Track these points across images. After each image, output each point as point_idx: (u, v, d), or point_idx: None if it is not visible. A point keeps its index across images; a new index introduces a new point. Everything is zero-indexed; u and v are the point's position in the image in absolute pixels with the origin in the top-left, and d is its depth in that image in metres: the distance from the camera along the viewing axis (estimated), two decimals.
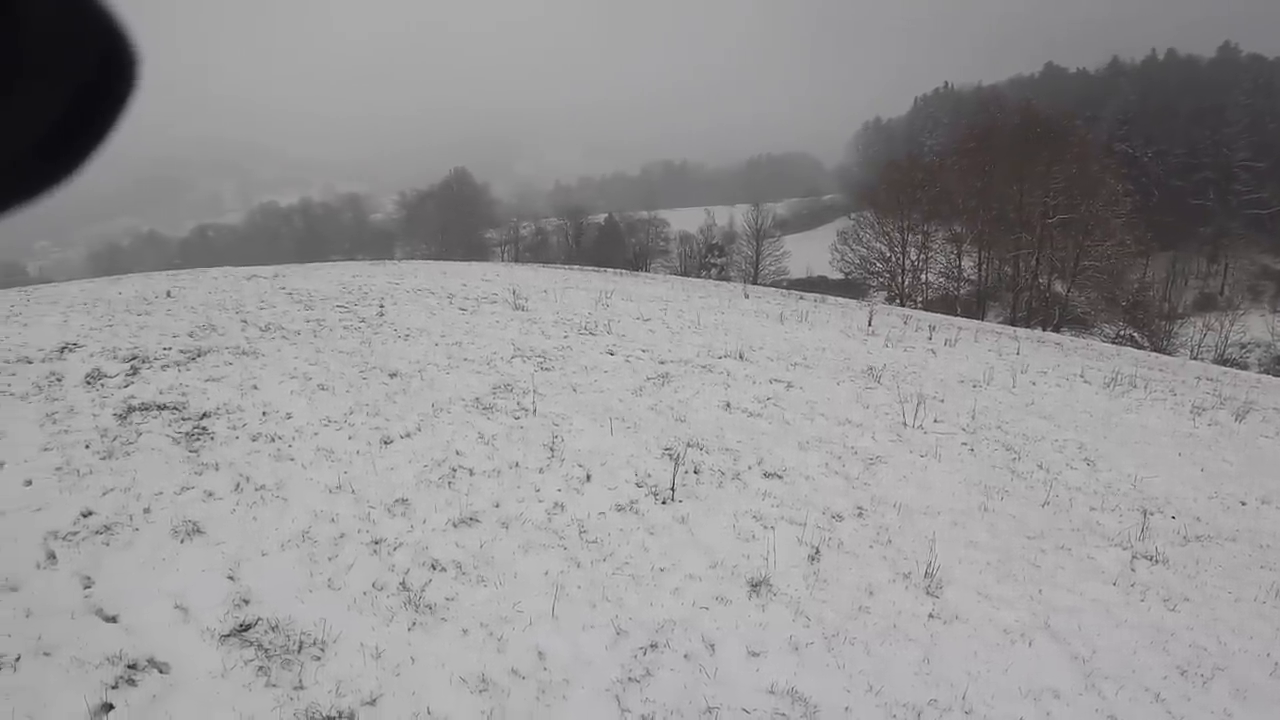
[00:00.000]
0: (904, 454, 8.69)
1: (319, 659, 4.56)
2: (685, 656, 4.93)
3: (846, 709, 4.60)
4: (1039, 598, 6.05)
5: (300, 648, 4.61)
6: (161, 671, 4.36)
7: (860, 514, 7.12)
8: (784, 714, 4.52)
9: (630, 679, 4.71)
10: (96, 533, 5.43)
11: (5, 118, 0.43)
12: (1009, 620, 5.71)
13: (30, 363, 8.39)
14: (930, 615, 5.64)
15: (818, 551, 6.34)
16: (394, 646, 4.73)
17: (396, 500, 6.36)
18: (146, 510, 5.77)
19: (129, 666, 4.33)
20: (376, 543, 5.70)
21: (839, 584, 5.96)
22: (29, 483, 5.99)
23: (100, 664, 4.30)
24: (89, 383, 8.02)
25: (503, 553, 5.82)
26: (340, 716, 4.20)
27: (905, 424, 9.58)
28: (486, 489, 6.75)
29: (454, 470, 6.99)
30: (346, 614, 4.94)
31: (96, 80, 0.48)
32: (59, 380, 8.01)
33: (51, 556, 5.16)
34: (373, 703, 4.32)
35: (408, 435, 7.67)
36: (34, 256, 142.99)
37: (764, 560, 6.12)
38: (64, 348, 8.95)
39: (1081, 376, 14.51)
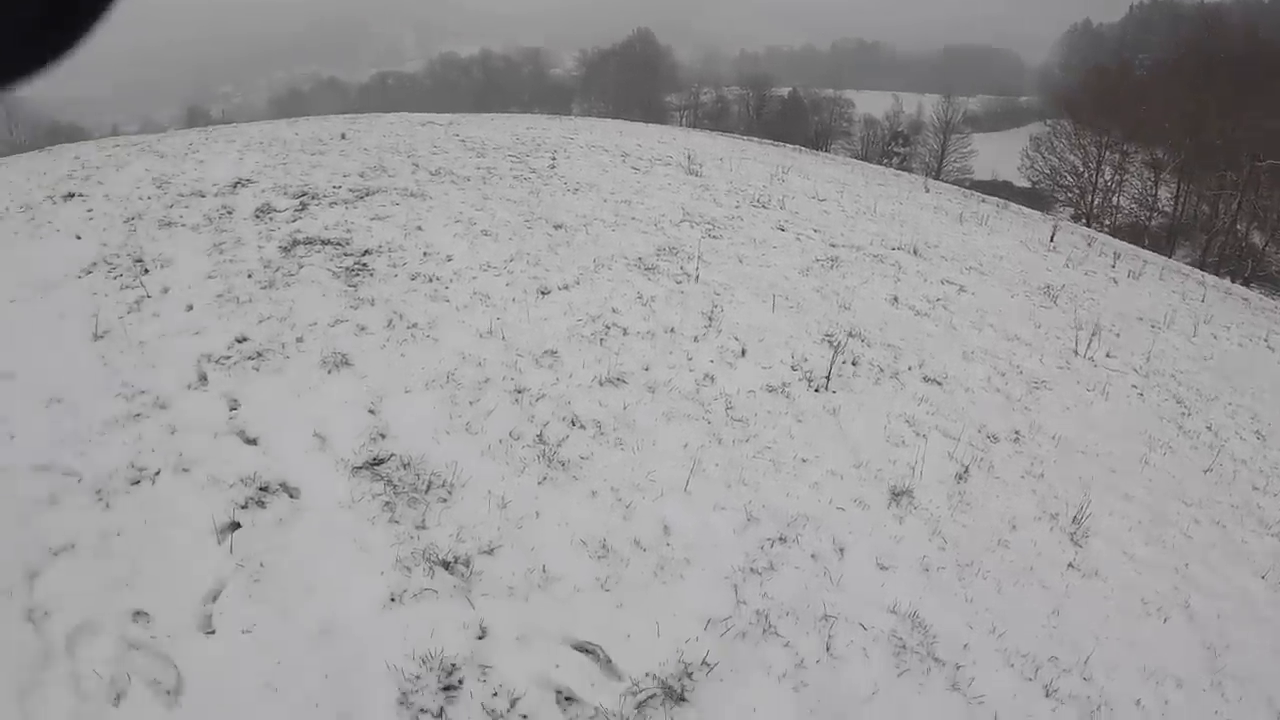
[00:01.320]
0: (1070, 384, 7.71)
1: (445, 501, 4.41)
2: (812, 556, 4.47)
3: (965, 646, 4.07)
4: (1184, 572, 5.24)
5: (428, 488, 4.47)
6: (291, 496, 4.35)
7: (1016, 439, 6.33)
8: (901, 638, 4.03)
9: (752, 570, 4.31)
10: (248, 358, 5.50)
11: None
12: (1148, 589, 4.99)
13: (204, 196, 8.64)
14: (1070, 565, 5.01)
15: (966, 471, 5.66)
16: (521, 498, 4.51)
17: (546, 351, 6.08)
18: (299, 340, 5.79)
19: (260, 489, 4.34)
20: (519, 391, 5.47)
21: (983, 510, 5.32)
22: (190, 308, 6.16)
23: (234, 484, 4.33)
24: (258, 217, 8.16)
25: (645, 418, 5.45)
26: (456, 562, 4.03)
27: (1076, 352, 8.47)
28: (638, 350, 6.36)
29: (608, 328, 6.62)
30: (479, 460, 4.76)
31: None
32: (229, 213, 8.20)
33: (203, 378, 5.28)
34: (490, 552, 4.13)
35: (565, 288, 7.35)
36: (216, 101, 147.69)
37: (910, 469, 5.49)
38: (237, 183, 9.17)
39: (1266, 341, 12.47)
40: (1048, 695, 3.96)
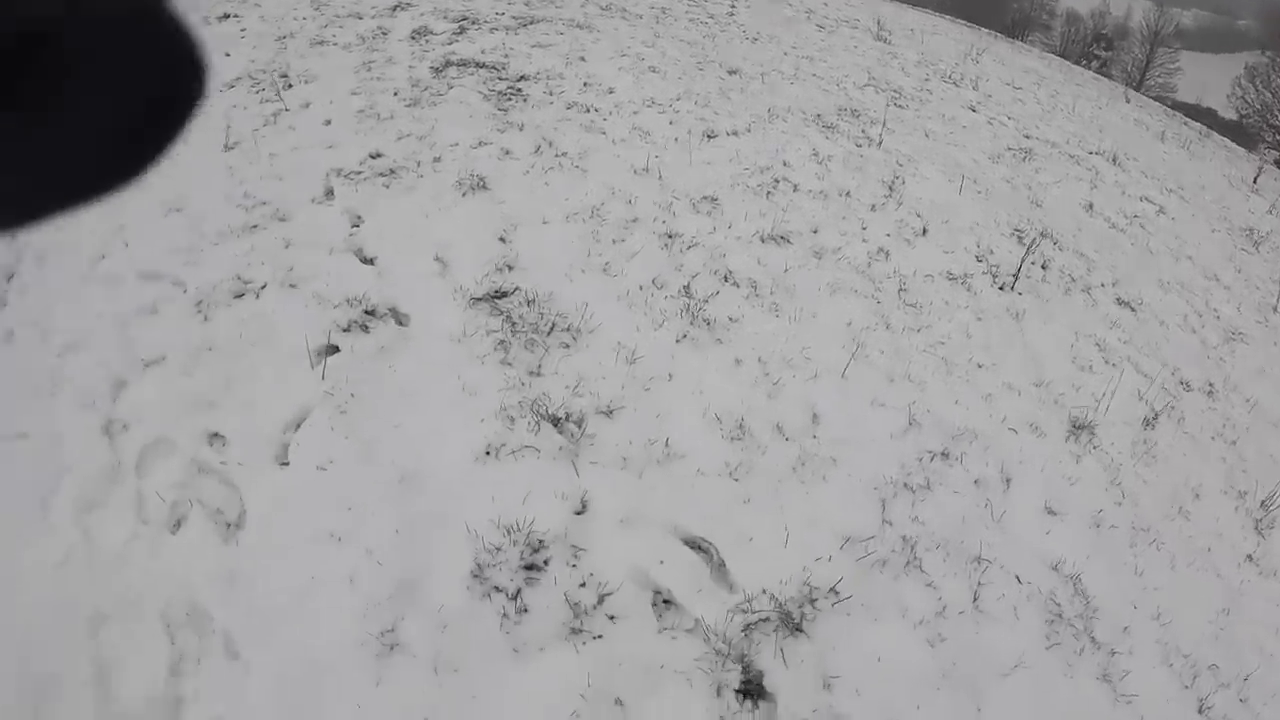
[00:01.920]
0: (1268, 342, 5.98)
1: (567, 348, 3.56)
2: (975, 482, 3.37)
3: (1125, 630, 3.00)
4: None
5: (551, 330, 3.63)
6: (399, 323, 3.65)
7: (1210, 393, 4.85)
8: (1059, 604, 2.99)
9: (906, 485, 3.29)
10: (380, 174, 4.77)
11: (74, 120, 0.34)
12: None
13: (360, 19, 7.84)
14: (1249, 557, 3.77)
15: (1156, 417, 4.27)
16: (654, 356, 3.60)
17: (705, 197, 4.99)
18: (436, 159, 4.99)
19: (366, 312, 3.66)
20: (670, 237, 4.46)
21: (1167, 467, 4.00)
22: (328, 122, 5.46)
23: (340, 304, 3.67)
24: (413, 38, 7.31)
25: (807, 285, 4.33)
26: (567, 419, 3.20)
27: (1275, 309, 6.53)
28: (807, 210, 5.14)
29: (776, 181, 5.41)
30: (613, 305, 3.86)
31: (164, 88, 0.39)
32: (384, 34, 7.38)
33: (329, 193, 4.61)
34: (609, 413, 3.27)
35: (734, 133, 6.12)
36: None
37: (1095, 402, 4.17)
38: (396, 7, 8.27)
39: None
40: (1200, 711, 2.84)
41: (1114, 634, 3.03)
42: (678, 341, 3.69)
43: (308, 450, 3.05)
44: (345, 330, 3.53)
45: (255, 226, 4.19)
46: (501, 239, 4.28)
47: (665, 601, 2.71)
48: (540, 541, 2.77)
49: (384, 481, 2.94)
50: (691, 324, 3.81)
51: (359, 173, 4.74)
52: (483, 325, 3.63)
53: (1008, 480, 3.47)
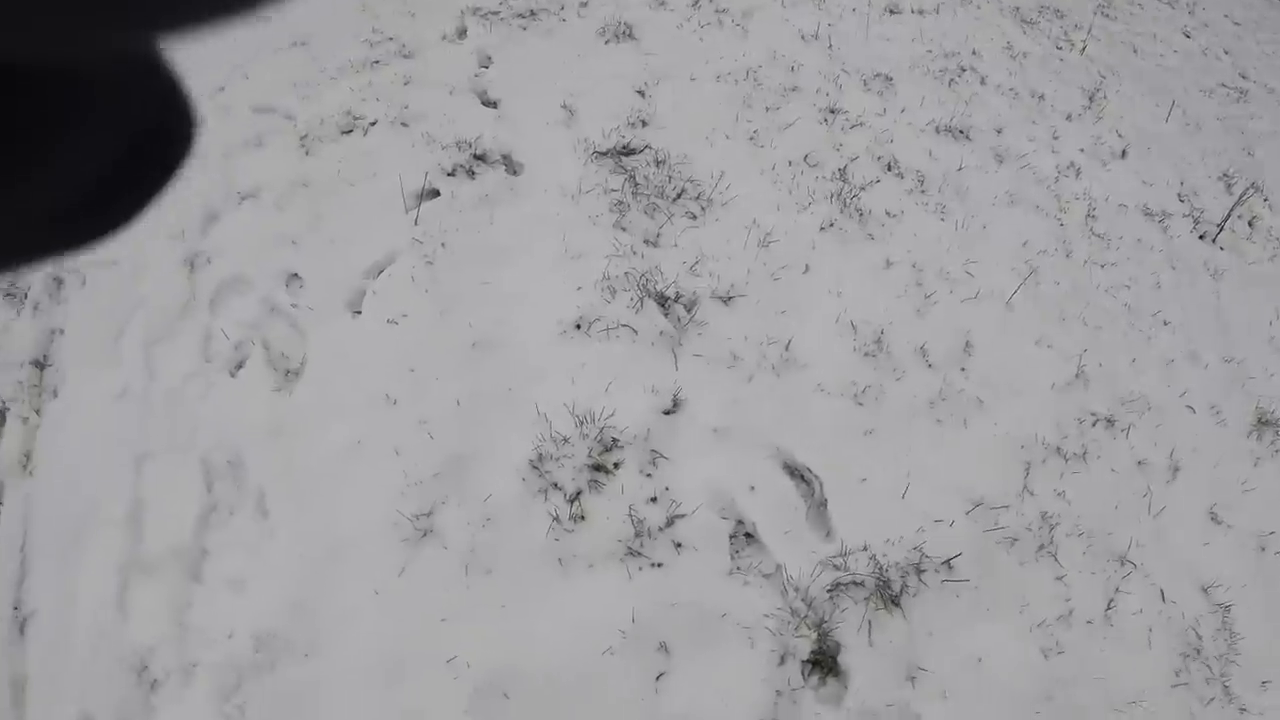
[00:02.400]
0: None
1: (693, 219, 2.87)
2: (1139, 464, 2.61)
3: (1263, 685, 2.36)
4: None
5: (678, 196, 2.94)
6: (510, 171, 3.07)
7: None
8: (1199, 636, 2.50)
9: (1058, 450, 2.50)
10: (519, 15, 4.07)
11: (57, 168, 0.30)
12: None
13: None
14: None
15: None
16: (791, 242, 2.83)
17: (878, 75, 3.97)
18: (583, 4, 4.20)
19: (476, 157, 3.10)
20: (833, 112, 3.55)
21: None
22: None
23: (449, 146, 3.12)
24: None
25: (982, 190, 3.37)
26: (677, 300, 2.55)
27: None
28: (993, 107, 4.02)
29: (962, 70, 4.26)
30: (755, 179, 3.09)
31: (152, 140, 0.34)
32: None
33: (461, 32, 3.95)
34: (726, 300, 2.57)
35: (920, 12, 4.86)
36: None
37: None
38: None
39: None
40: None
41: (1251, 688, 2.23)
42: (822, 229, 2.91)
43: (383, 300, 2.60)
44: (450, 174, 3.00)
45: (377, 63, 3.67)
46: (640, 92, 3.54)
47: (746, 536, 2.12)
48: (615, 440, 2.21)
49: (456, 345, 2.44)
50: (841, 212, 3.00)
51: (496, 13, 4.06)
52: (602, 183, 2.99)
53: (1175, 469, 2.54)
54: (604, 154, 3.09)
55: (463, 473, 2.19)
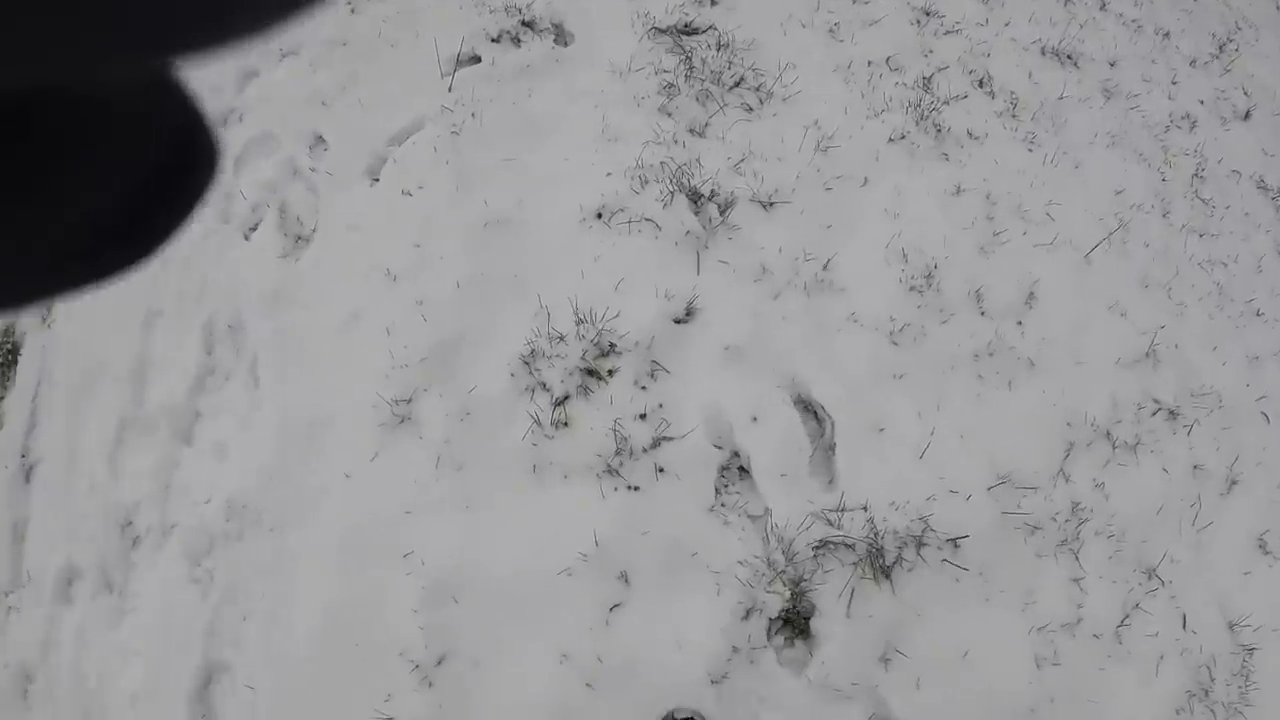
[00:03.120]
0: None
1: (748, 111, 2.29)
2: (1195, 469, 2.37)
3: None
4: None
5: (736, 84, 2.35)
6: (558, 42, 2.51)
7: None
8: (1212, 677, 1.92)
9: (1107, 435, 1.99)
10: None
11: (79, 200, 0.26)
12: None
13: None
14: None
15: None
16: (854, 150, 2.25)
17: None
18: None
19: (524, 24, 2.55)
20: (927, 14, 2.76)
21: None
22: None
23: (498, 10, 2.57)
24: None
25: (1082, 125, 2.59)
26: (711, 197, 2.05)
27: None
28: (1110, 35, 3.06)
29: None
30: (825, 75, 2.46)
31: (173, 170, 0.29)
32: None
33: None
34: (767, 205, 2.06)
35: None
36: None
37: None
38: None
39: None
40: None
41: None
42: (891, 141, 2.31)
43: (402, 170, 2.22)
44: (494, 40, 2.50)
45: None
46: None
47: (740, 470, 1.73)
48: (613, 345, 1.82)
49: (468, 222, 2.06)
50: (918, 124, 2.37)
51: None
52: (655, 61, 2.43)
53: (1232, 482, 1.98)
54: (663, 31, 2.51)
55: (451, 360, 1.85)
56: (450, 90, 2.37)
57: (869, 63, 2.56)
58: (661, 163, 2.15)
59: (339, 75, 2.49)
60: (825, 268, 1.98)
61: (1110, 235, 2.31)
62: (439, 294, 1.93)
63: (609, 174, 2.14)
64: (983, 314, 2.01)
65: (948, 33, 2.76)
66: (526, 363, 1.83)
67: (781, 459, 1.75)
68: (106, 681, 1.73)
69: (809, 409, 1.83)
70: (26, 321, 2.29)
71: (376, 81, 2.46)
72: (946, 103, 2.50)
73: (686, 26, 2.57)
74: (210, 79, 2.56)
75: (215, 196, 2.30)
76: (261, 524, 1.76)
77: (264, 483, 1.78)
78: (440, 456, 1.73)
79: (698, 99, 2.34)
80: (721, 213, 2.05)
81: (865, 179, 2.20)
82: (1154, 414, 2.00)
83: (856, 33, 2.64)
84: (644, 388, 1.80)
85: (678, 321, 1.88)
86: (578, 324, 1.85)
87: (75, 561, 1.88)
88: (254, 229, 2.22)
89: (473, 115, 2.31)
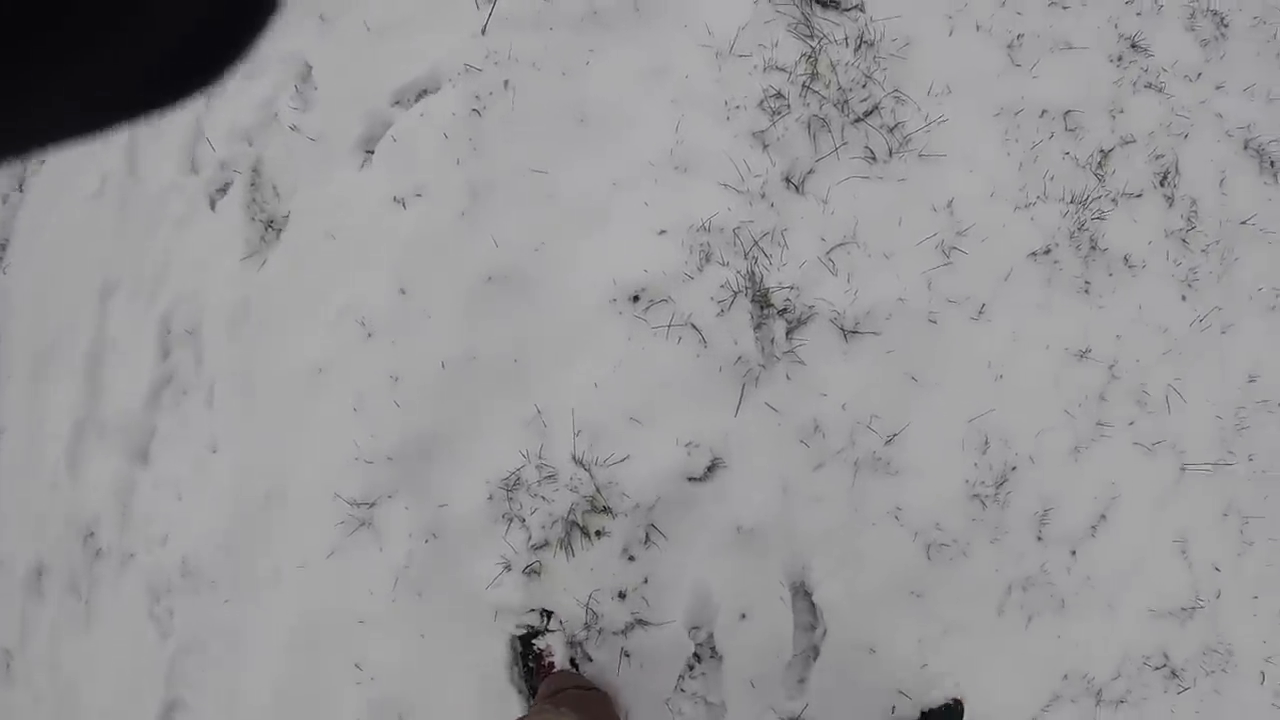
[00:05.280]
0: None
1: (869, 164, 1.42)
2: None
3: None
4: None
5: (867, 115, 1.44)
6: None
7: None
8: None
9: None
10: None
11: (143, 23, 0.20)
12: None
13: None
14: None
15: None
16: (983, 256, 1.44)
17: (1212, 10, 1.99)
18: None
19: None
20: (1133, 45, 1.69)
21: None
22: None
23: None
24: None
25: (1254, 272, 1.61)
26: (781, 310, 1.30)
27: None
28: None
29: None
30: (985, 122, 1.54)
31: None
32: None
33: None
34: (847, 335, 1.31)
35: None
36: None
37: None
38: None
39: None
40: None
41: None
42: (1033, 256, 1.49)
43: (401, 156, 1.35)
44: None
45: None
46: None
47: (712, 653, 1.25)
48: (606, 508, 1.24)
49: (468, 270, 1.29)
50: (1071, 236, 1.54)
51: None
52: (770, 46, 1.43)
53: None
54: None
55: (422, 465, 1.19)
56: (484, 33, 1.48)
57: (1042, 113, 1.61)
58: (736, 229, 1.38)
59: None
60: (888, 442, 1.25)
61: (1224, 456, 1.63)
62: (419, 372, 1.20)
63: (663, 231, 1.26)
64: (1039, 539, 1.31)
65: (1148, 85, 1.60)
66: (508, 490, 1.19)
67: (758, 663, 1.24)
68: (79, 683, 1.41)
69: (807, 599, 1.35)
70: None
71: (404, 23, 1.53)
72: (1115, 201, 1.64)
73: None
74: None
75: (183, 129, 1.52)
76: (216, 591, 1.22)
77: (218, 552, 1.24)
78: (399, 579, 1.18)
79: (809, 126, 1.44)
80: (789, 335, 1.30)
81: (982, 308, 1.37)
82: (1156, 669, 1.43)
83: (1042, 58, 1.65)
84: (633, 558, 1.26)
85: (692, 480, 1.32)
86: (575, 461, 1.24)
87: (44, 560, 1.39)
88: (223, 192, 1.38)
89: (505, 84, 1.32)
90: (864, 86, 1.33)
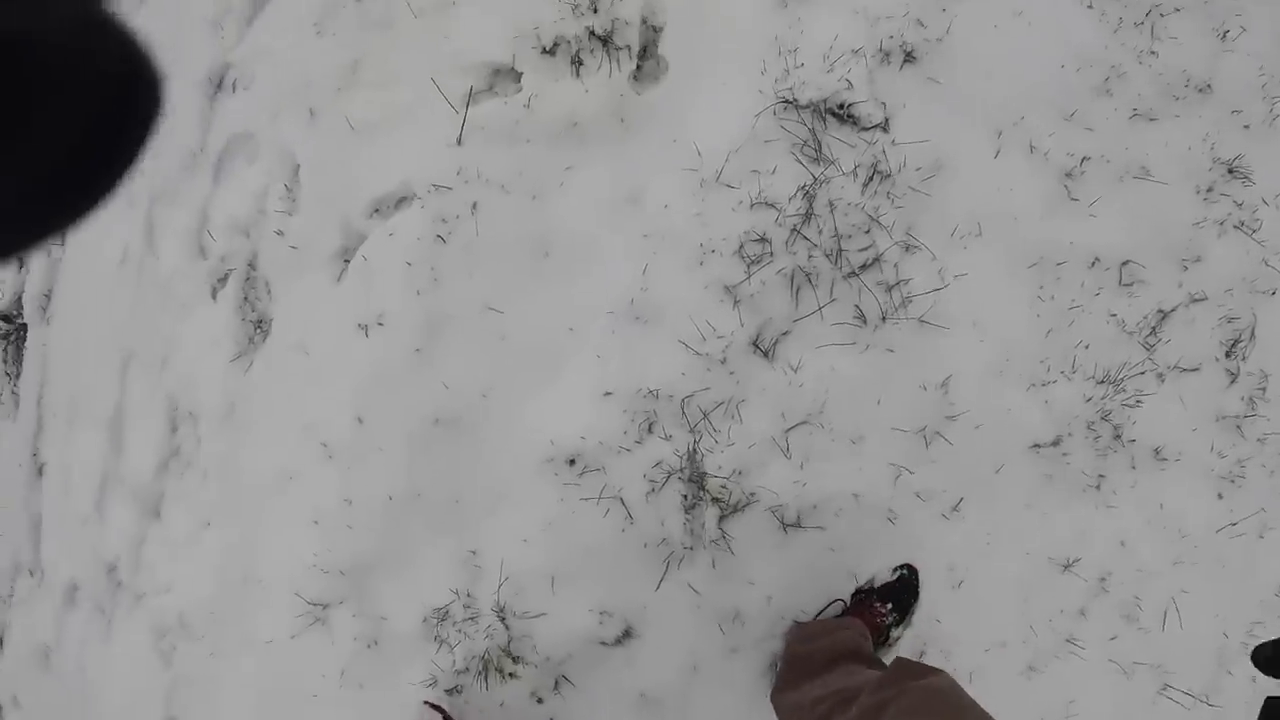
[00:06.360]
0: None
1: (858, 327, 1.18)
2: None
3: None
4: None
5: (864, 267, 1.18)
6: (641, 71, 1.26)
7: None
8: None
9: None
10: None
11: (23, 148, 0.21)
12: None
13: None
14: None
15: None
16: (981, 439, 1.18)
17: None
18: None
19: (596, 35, 1.26)
20: (1231, 171, 1.27)
21: None
22: None
23: None
24: None
25: None
26: (715, 497, 1.15)
27: None
28: None
29: None
30: (1013, 274, 1.21)
31: (116, 106, 0.23)
32: None
33: None
34: (786, 528, 1.14)
35: None
36: None
37: None
38: None
39: None
40: None
41: None
42: (1036, 448, 1.21)
43: (369, 278, 1.27)
44: (545, 51, 1.25)
45: None
46: None
47: None
48: (517, 658, 1.21)
49: (418, 411, 1.24)
50: (1089, 426, 1.23)
51: None
52: (763, 172, 1.18)
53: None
54: (802, 106, 1.18)
55: (369, 582, 1.23)
56: (460, 142, 1.30)
57: (1093, 262, 1.25)
58: (686, 399, 1.20)
59: (341, 52, 1.29)
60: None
61: (1221, 660, 1.32)
62: (369, 500, 1.20)
63: (609, 393, 1.14)
64: None
65: (1238, 225, 1.23)
66: (439, 619, 1.19)
67: None
68: (99, 686, 1.60)
69: None
70: (31, 310, 1.70)
71: (381, 81, 1.30)
72: (1161, 377, 1.28)
73: (843, 107, 1.25)
74: (214, 10, 1.47)
75: (192, 209, 1.46)
76: (204, 644, 1.36)
77: (206, 614, 1.37)
78: (345, 670, 1.24)
79: (792, 279, 1.17)
80: (720, 522, 1.18)
81: (958, 504, 1.19)
82: None
83: (1106, 192, 1.25)
84: (541, 700, 1.24)
85: (604, 644, 1.24)
86: (496, 612, 1.20)
87: (77, 577, 1.57)
88: (223, 282, 1.38)
89: (473, 207, 1.20)
90: (867, 232, 1.09)
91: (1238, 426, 1.22)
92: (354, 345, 1.21)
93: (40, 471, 1.59)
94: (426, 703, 1.19)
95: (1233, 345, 1.21)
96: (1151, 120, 1.22)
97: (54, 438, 1.57)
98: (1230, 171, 1.24)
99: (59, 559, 1.56)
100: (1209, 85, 1.30)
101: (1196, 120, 1.25)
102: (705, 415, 1.10)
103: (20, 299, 1.68)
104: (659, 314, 1.14)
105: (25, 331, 1.62)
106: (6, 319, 1.68)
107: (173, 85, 1.29)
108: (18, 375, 1.68)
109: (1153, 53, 1.27)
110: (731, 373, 1.12)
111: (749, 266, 1.12)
